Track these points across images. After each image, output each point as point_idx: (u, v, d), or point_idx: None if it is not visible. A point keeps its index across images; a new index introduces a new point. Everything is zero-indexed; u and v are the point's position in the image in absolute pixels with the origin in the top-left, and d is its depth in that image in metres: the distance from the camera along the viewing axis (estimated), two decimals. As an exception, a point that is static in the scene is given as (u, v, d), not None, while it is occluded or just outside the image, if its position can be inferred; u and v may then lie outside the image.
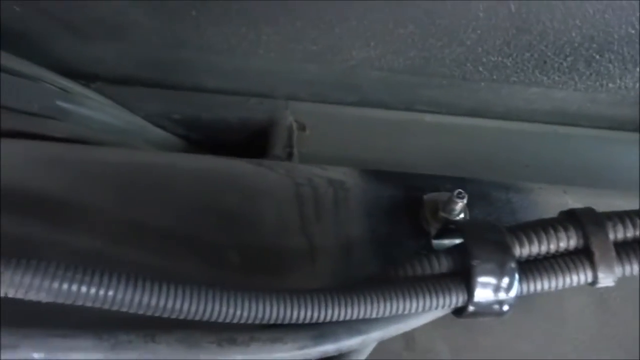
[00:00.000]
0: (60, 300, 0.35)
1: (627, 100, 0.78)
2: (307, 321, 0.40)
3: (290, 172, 0.59)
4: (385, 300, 0.41)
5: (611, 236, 0.46)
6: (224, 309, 0.38)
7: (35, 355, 0.34)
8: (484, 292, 0.43)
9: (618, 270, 0.45)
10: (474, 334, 0.53)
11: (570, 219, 0.46)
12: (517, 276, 0.43)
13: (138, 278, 0.36)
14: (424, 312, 0.44)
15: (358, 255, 0.55)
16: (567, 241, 0.46)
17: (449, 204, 0.54)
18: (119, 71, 0.76)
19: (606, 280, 0.45)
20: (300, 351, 0.41)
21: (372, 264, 0.55)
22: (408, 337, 0.51)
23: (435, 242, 0.56)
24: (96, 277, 0.35)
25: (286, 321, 0.40)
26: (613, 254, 0.45)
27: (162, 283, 0.37)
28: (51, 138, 0.61)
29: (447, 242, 0.55)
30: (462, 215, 0.55)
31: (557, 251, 0.46)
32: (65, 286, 0.34)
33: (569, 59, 0.70)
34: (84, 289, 0.35)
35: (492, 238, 0.45)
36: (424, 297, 0.42)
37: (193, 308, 0.37)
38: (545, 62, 0.71)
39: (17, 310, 0.36)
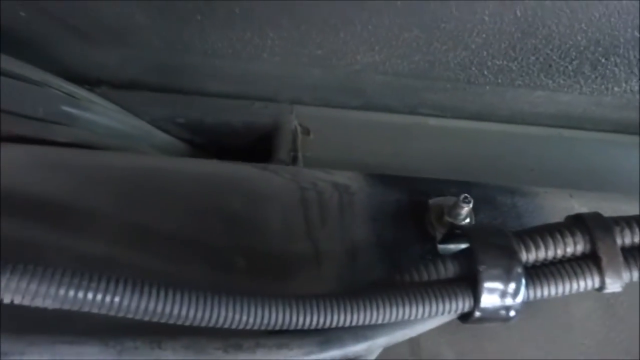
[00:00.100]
0: (66, 307, 0.35)
1: (633, 104, 0.78)
2: (312, 327, 0.40)
3: (295, 176, 0.59)
4: (391, 306, 0.41)
5: (618, 241, 0.45)
6: (230, 315, 0.38)
7: (42, 361, 0.34)
8: (491, 297, 0.43)
9: (626, 276, 0.45)
10: (480, 339, 0.53)
11: (577, 223, 0.46)
12: (523, 281, 0.43)
13: (144, 284, 0.36)
14: (430, 318, 0.44)
15: (363, 259, 0.55)
16: (574, 246, 0.46)
17: (454, 208, 0.54)
18: (124, 76, 0.76)
19: (613, 285, 0.45)
20: (306, 357, 0.41)
21: (378, 269, 0.55)
22: (414, 343, 0.51)
23: (440, 246, 0.56)
24: (102, 284, 0.35)
25: (292, 327, 0.39)
26: (620, 259, 0.45)
27: (168, 289, 0.37)
28: (57, 143, 0.61)
29: (453, 246, 0.55)
30: (467, 220, 0.55)
31: (564, 256, 0.46)
32: (71, 293, 0.35)
33: (574, 62, 0.70)
34: (90, 295, 0.35)
35: (499, 243, 0.45)
36: (430, 303, 0.42)
37: (199, 314, 0.37)
38: (550, 65, 0.71)
39: (24, 316, 0.36)
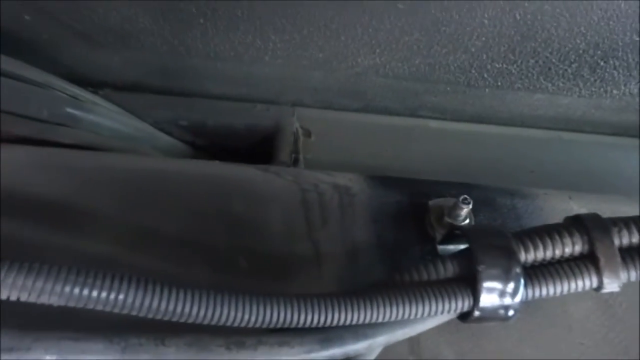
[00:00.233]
0: (71, 304, 0.36)
1: (632, 106, 0.78)
2: (314, 325, 0.40)
3: (296, 178, 0.59)
4: (391, 305, 0.42)
5: (616, 242, 0.46)
6: (232, 313, 0.38)
7: (48, 357, 0.35)
8: (490, 297, 0.43)
9: (623, 276, 0.45)
10: (479, 338, 0.53)
11: (576, 224, 0.47)
12: (522, 281, 0.44)
13: (148, 282, 0.37)
14: (429, 317, 0.44)
15: (364, 260, 0.55)
16: (572, 247, 0.46)
17: (454, 209, 0.55)
18: (127, 78, 0.77)
19: (611, 285, 0.45)
20: (307, 355, 0.41)
21: (378, 270, 0.55)
22: (413, 342, 0.52)
23: (440, 247, 0.56)
24: (107, 281, 0.36)
25: (293, 325, 0.40)
26: (618, 259, 0.45)
27: (172, 287, 0.37)
28: (61, 144, 0.62)
29: (453, 247, 0.56)
30: (467, 221, 0.56)
31: (562, 256, 0.46)
32: (76, 290, 0.35)
33: (573, 65, 0.70)
34: (94, 293, 0.35)
35: (498, 243, 0.45)
36: (430, 302, 0.42)
37: (202, 312, 0.37)
38: (549, 68, 0.71)
39: (30, 313, 0.36)
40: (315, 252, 0.55)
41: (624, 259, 0.46)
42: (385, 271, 0.55)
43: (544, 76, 0.73)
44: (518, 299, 0.44)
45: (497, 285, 0.43)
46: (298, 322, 0.40)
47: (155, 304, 0.36)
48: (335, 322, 0.41)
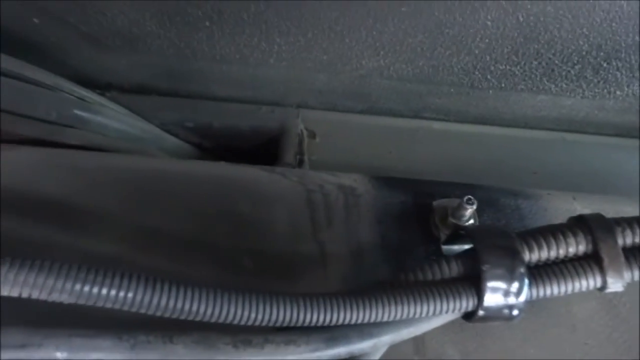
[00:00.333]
0: (80, 302, 0.36)
1: (634, 108, 0.78)
2: (319, 324, 0.41)
3: (301, 178, 0.60)
4: (396, 304, 0.42)
5: (620, 242, 0.46)
6: (240, 311, 0.39)
7: (59, 354, 0.35)
8: (494, 296, 0.44)
9: (627, 276, 0.46)
10: (484, 338, 0.53)
11: (580, 224, 0.47)
12: (526, 281, 0.44)
13: (157, 280, 0.37)
14: (434, 316, 0.44)
15: (368, 260, 0.56)
16: (576, 247, 0.46)
17: (458, 210, 0.55)
18: (134, 80, 0.78)
19: (615, 285, 0.45)
20: (312, 353, 0.42)
21: (383, 270, 0.55)
22: (418, 341, 0.52)
23: (444, 247, 0.57)
24: (116, 279, 0.36)
25: (299, 324, 0.40)
26: (622, 259, 0.45)
27: (180, 286, 0.38)
28: (69, 146, 0.63)
29: (457, 247, 0.56)
30: (471, 221, 0.56)
31: (566, 256, 0.47)
32: (86, 288, 0.36)
33: (576, 67, 0.71)
34: (104, 290, 0.36)
35: (502, 243, 0.45)
36: (435, 301, 0.43)
37: (209, 310, 0.38)
38: (553, 70, 0.72)
39: (41, 310, 0.37)
40: (320, 253, 0.55)
41: (627, 258, 0.46)
42: (390, 271, 0.55)
43: (547, 77, 0.73)
44: (522, 298, 0.44)
45: (501, 284, 0.44)
46: (304, 321, 0.40)
47: (163, 301, 0.37)
48: (340, 321, 0.41)
